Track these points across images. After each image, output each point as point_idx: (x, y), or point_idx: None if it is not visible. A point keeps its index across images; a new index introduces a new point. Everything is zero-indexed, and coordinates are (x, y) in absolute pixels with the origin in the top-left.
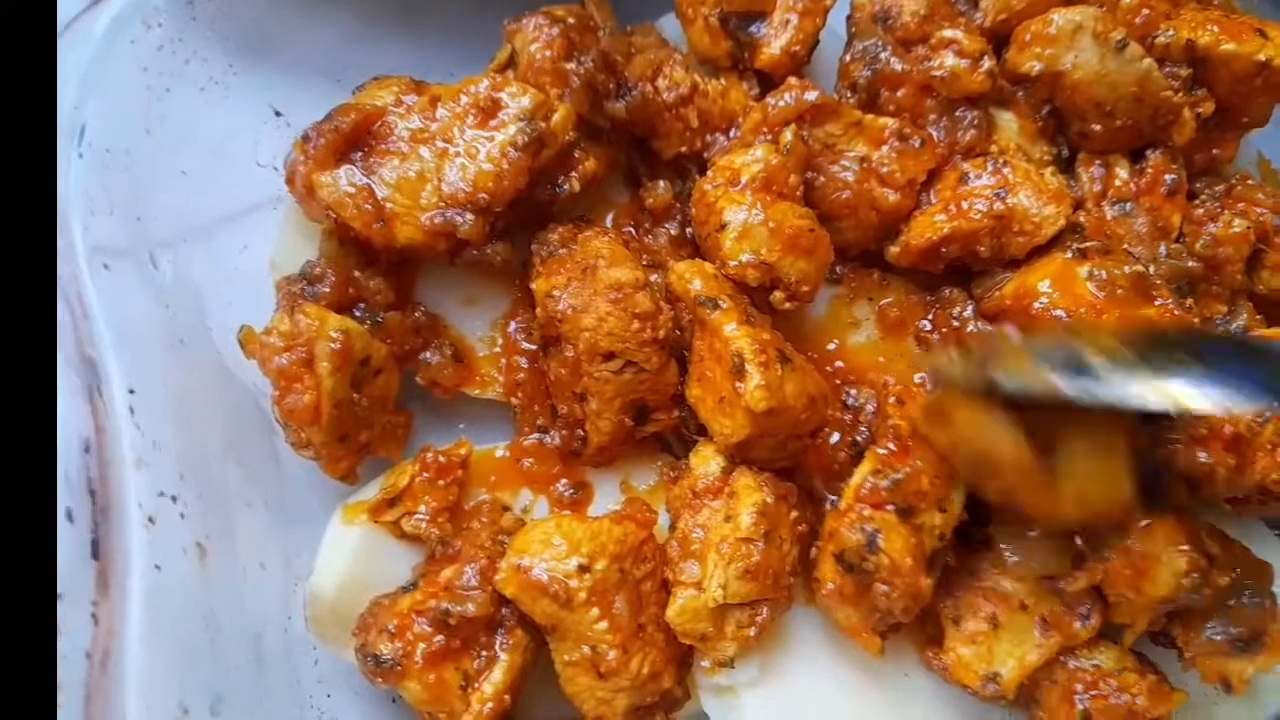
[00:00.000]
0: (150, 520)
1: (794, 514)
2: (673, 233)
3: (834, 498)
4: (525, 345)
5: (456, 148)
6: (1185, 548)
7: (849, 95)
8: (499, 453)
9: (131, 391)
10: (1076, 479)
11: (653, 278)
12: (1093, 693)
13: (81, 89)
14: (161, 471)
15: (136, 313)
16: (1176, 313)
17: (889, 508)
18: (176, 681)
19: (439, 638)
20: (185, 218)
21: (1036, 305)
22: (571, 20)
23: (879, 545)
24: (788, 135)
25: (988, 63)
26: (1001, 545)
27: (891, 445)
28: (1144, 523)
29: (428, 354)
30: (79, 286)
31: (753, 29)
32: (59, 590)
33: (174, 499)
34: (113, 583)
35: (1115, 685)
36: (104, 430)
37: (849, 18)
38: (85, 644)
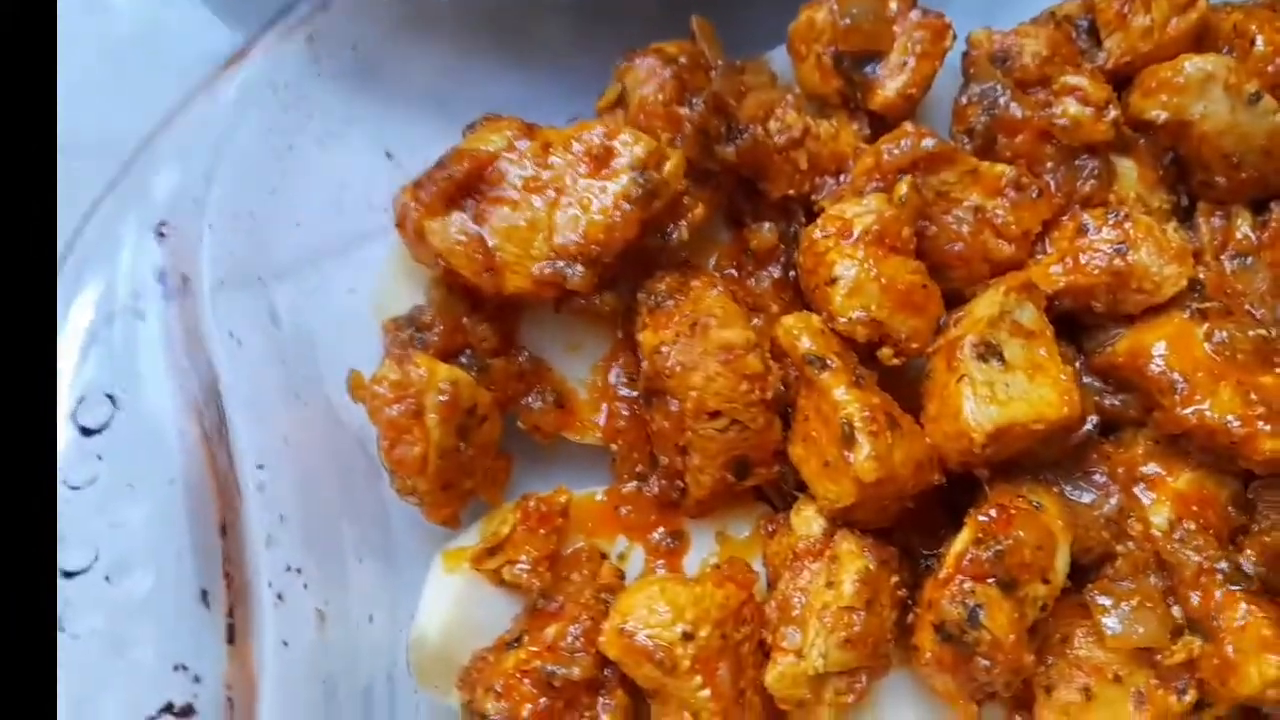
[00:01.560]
0: (279, 597)
1: (894, 579)
2: (775, 276)
3: (929, 553)
4: (625, 391)
5: (568, 197)
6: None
7: (964, 140)
8: (597, 498)
9: (260, 467)
10: None
11: (754, 321)
12: None
13: (213, 159)
14: (289, 545)
15: (262, 379)
16: None
17: (990, 580)
18: None
19: (544, 700)
20: (301, 268)
21: (1151, 366)
22: (683, 60)
23: (980, 620)
24: (903, 188)
25: (1113, 112)
26: (1099, 613)
27: (993, 513)
28: (1242, 611)
29: (530, 399)
30: (210, 362)
31: (867, 69)
32: (195, 674)
33: (299, 571)
34: (246, 664)
35: None
36: (237, 511)
37: (965, 56)
38: None
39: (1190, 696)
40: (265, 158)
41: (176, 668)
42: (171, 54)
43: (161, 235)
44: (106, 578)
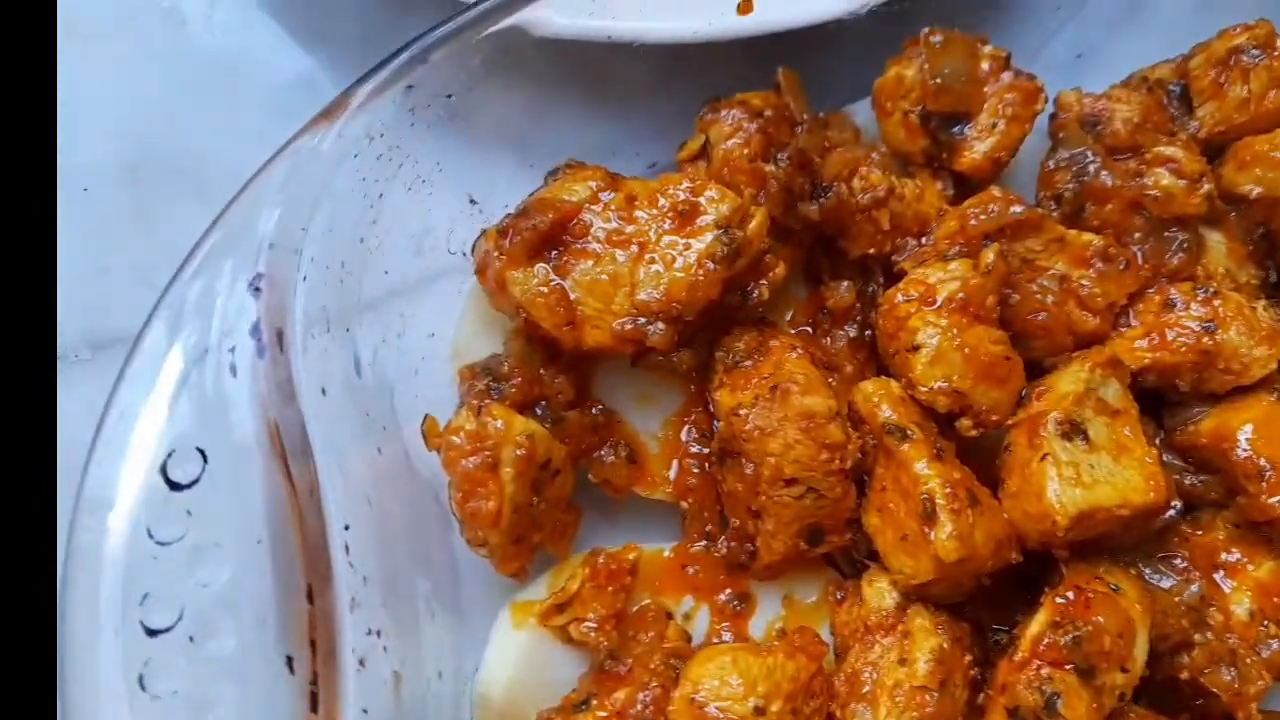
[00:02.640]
0: (361, 663)
1: (968, 658)
2: (851, 335)
3: (998, 628)
4: (696, 449)
5: (652, 253)
6: None
7: (1052, 206)
8: (665, 554)
9: (346, 528)
10: None
11: (830, 381)
12: None
13: (311, 210)
14: (370, 609)
15: (347, 434)
16: None
17: (1069, 666)
18: None
19: None
20: (386, 320)
21: (1238, 451)
22: (768, 112)
23: (1059, 709)
24: (990, 255)
25: (1206, 185)
26: None
27: (1071, 595)
28: None
29: (603, 452)
30: (300, 419)
31: (954, 129)
32: None
33: (379, 634)
34: None
35: None
36: (325, 575)
37: (1052, 119)
38: None
39: None
40: (358, 207)
41: None
42: (248, 75)
43: (257, 290)
44: (191, 638)
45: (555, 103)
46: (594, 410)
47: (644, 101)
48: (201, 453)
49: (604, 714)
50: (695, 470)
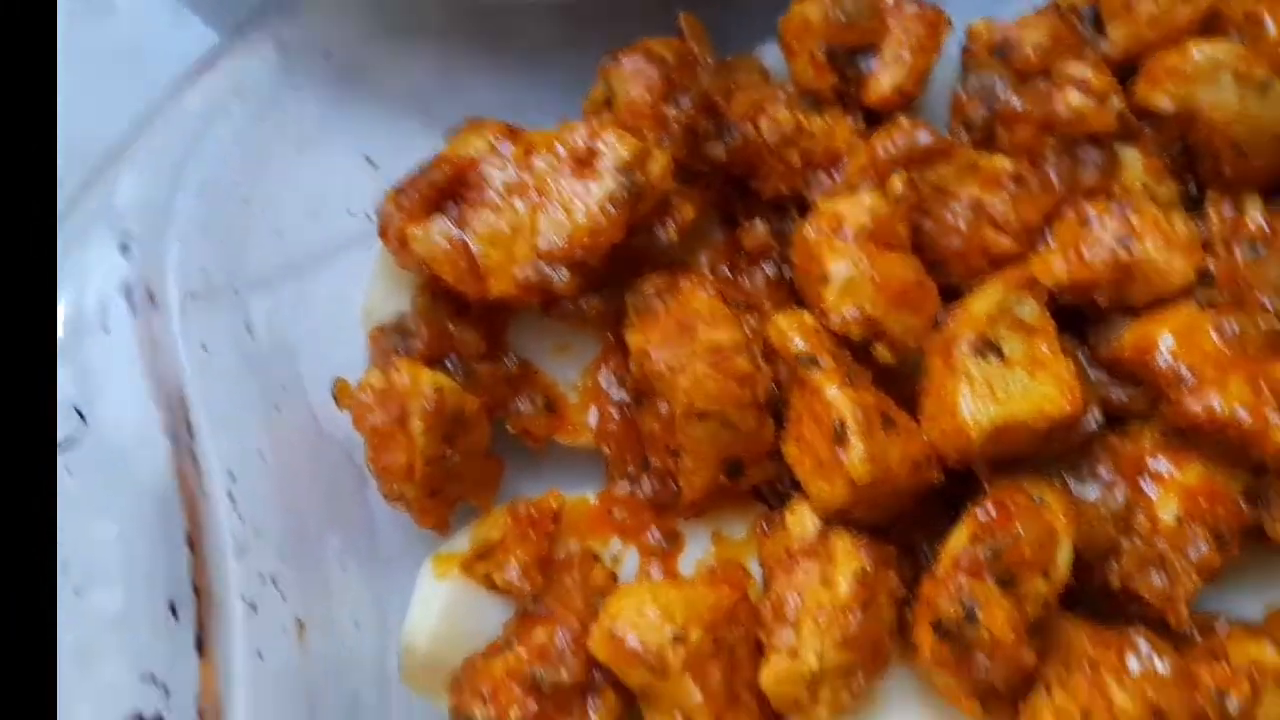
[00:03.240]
0: (253, 608)
1: (893, 578)
2: (769, 273)
3: (930, 550)
4: (616, 394)
5: (552, 200)
6: None
7: (963, 133)
8: (590, 500)
9: (233, 479)
10: None
11: (748, 321)
12: None
13: (178, 171)
14: (262, 556)
15: (235, 391)
16: None
17: (989, 577)
18: None
19: (532, 703)
20: (280, 278)
21: (1158, 359)
22: (671, 58)
23: (978, 618)
24: (898, 184)
25: (1115, 101)
26: (1139, 639)
27: (991, 508)
28: None
29: (519, 403)
30: (178, 376)
31: (861, 63)
32: (165, 685)
33: (274, 580)
34: (217, 676)
35: None
36: (203, 524)
37: (964, 48)
38: None
39: None
40: (236, 168)
41: (145, 679)
42: (154, 58)
43: (126, 249)
44: (75, 592)
45: (460, 62)
46: (508, 362)
47: (552, 59)
48: (79, 413)
49: (524, 653)
50: (615, 415)
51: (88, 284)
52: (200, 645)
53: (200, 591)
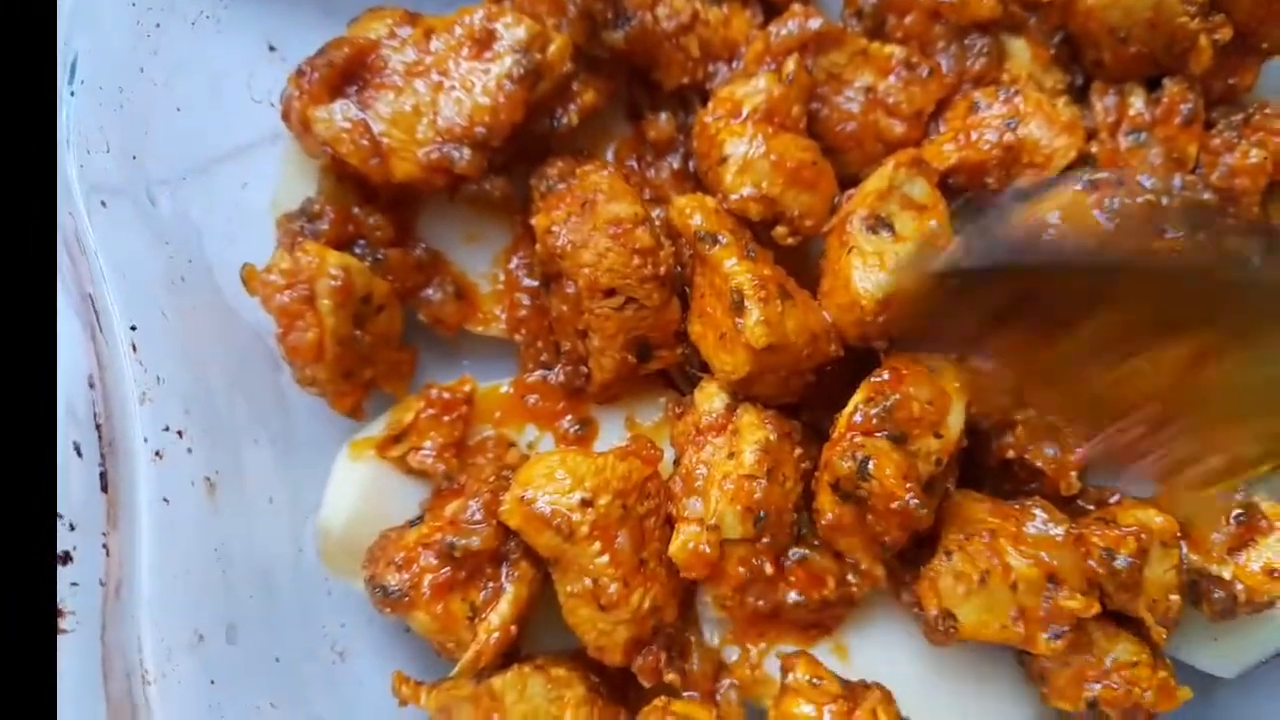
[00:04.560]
0: (157, 454)
1: (798, 451)
2: (675, 167)
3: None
4: (527, 281)
5: (451, 81)
6: None
7: (854, 22)
8: (503, 389)
9: (133, 328)
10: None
11: (655, 213)
12: (1104, 682)
13: (71, 25)
14: (166, 407)
15: (135, 250)
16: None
17: (880, 434)
18: (190, 610)
19: (445, 570)
20: (182, 155)
21: (1045, 237)
22: None
23: (870, 471)
24: (790, 65)
25: None
26: (1027, 521)
27: (885, 374)
28: None
29: (430, 291)
30: (76, 224)
31: None
32: (70, 521)
33: (180, 434)
34: (122, 515)
35: (1126, 678)
36: (106, 367)
37: None
38: (99, 573)
39: (1060, 645)
40: (130, 34)
41: (58, 515)
42: None
43: None
44: None
45: None
46: (417, 250)
47: None
48: None
49: (437, 524)
50: (526, 303)
51: None
52: (104, 483)
53: (101, 431)
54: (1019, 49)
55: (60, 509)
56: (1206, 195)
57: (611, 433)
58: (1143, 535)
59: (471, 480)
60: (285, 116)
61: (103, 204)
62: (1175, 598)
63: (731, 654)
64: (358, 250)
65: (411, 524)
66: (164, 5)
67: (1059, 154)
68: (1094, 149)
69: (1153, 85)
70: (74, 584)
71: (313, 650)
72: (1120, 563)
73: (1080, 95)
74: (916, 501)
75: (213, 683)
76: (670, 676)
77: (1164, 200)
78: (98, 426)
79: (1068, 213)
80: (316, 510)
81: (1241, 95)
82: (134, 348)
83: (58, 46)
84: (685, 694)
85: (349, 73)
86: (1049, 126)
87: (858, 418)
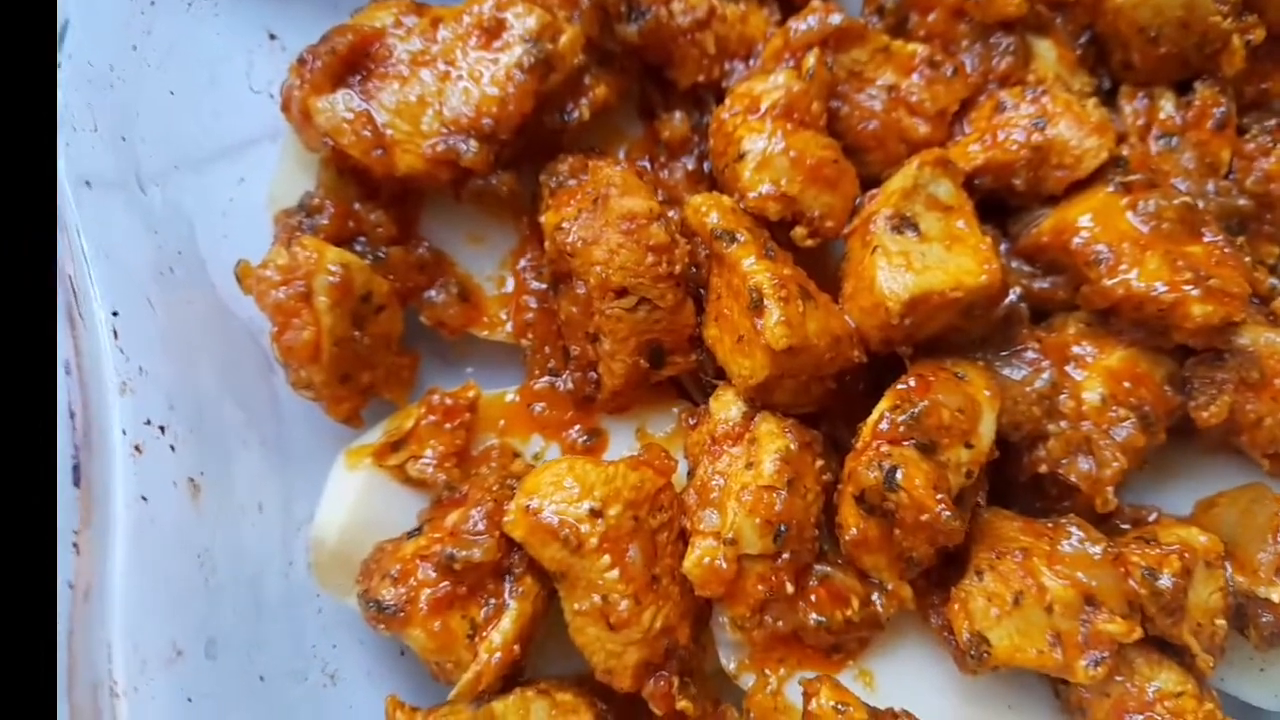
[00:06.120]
0: (136, 449)
1: (819, 462)
2: (690, 168)
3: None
4: (535, 284)
5: (459, 70)
6: None
7: (875, 20)
8: (509, 397)
9: (115, 314)
10: None
11: (670, 213)
12: (1146, 714)
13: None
14: (148, 399)
15: (121, 236)
16: (1226, 251)
17: (908, 443)
18: (166, 620)
19: (444, 584)
20: (175, 144)
21: (1076, 241)
22: None
23: (898, 481)
24: (810, 60)
25: None
26: (1071, 527)
27: (912, 381)
28: None
29: (432, 292)
30: (59, 201)
31: None
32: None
33: (162, 429)
34: (95, 512)
35: (1170, 709)
36: (84, 353)
37: None
38: (68, 574)
39: (1100, 672)
40: (123, 10)
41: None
42: None
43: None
44: None
45: None
46: (420, 249)
47: None
48: None
49: (436, 535)
50: (533, 306)
51: None
52: (77, 476)
53: (76, 421)
54: (1045, 49)
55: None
56: (1242, 201)
57: (621, 444)
58: (1186, 554)
59: (474, 489)
60: (285, 107)
61: (87, 184)
62: (1221, 622)
63: (747, 680)
64: (358, 248)
65: (409, 535)
66: None
67: (1089, 155)
68: (1125, 153)
69: (1183, 89)
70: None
71: (300, 671)
72: (1164, 583)
73: (1108, 99)
74: (949, 513)
75: (190, 700)
76: (683, 704)
77: (1199, 204)
78: (71, 414)
79: (1099, 216)
80: (308, 523)
81: (1273, 100)
82: (115, 334)
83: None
84: None
85: (352, 62)
86: (1079, 127)
87: (884, 425)
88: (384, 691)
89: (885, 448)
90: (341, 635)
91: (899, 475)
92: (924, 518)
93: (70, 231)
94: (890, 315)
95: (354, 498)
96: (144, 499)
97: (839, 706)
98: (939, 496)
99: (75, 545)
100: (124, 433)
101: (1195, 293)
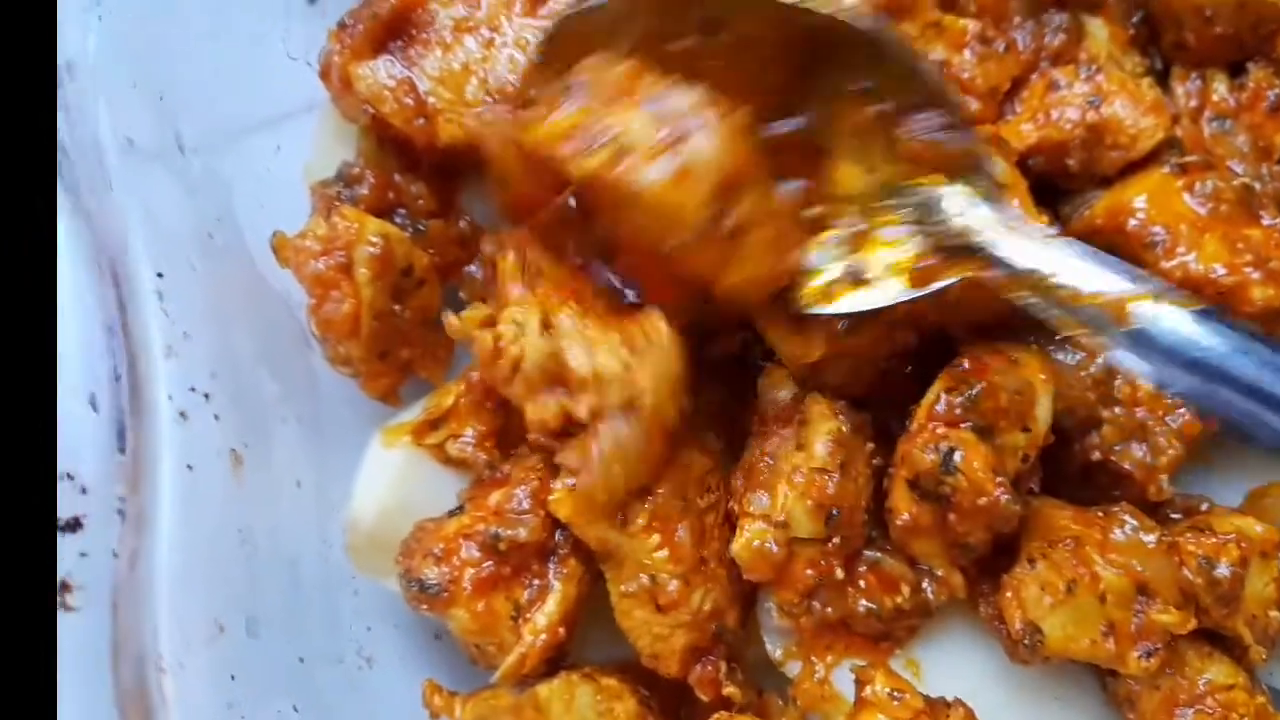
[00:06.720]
0: (182, 415)
1: (869, 446)
2: None
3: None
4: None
5: (504, 38)
6: None
7: None
8: None
9: (160, 275)
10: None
11: None
12: (1197, 707)
13: None
14: (193, 365)
15: (161, 197)
16: None
17: (966, 425)
18: (210, 594)
19: (488, 564)
20: (213, 109)
21: (1132, 223)
22: None
23: (956, 465)
24: None
25: None
26: (1116, 525)
27: (966, 363)
28: None
29: (472, 268)
30: (101, 161)
31: None
32: (83, 485)
33: (206, 397)
34: (142, 477)
35: (1221, 702)
36: (129, 313)
37: None
38: (112, 542)
39: (1153, 663)
40: None
41: (63, 476)
42: None
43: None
44: None
45: None
46: (460, 223)
47: None
48: None
49: (479, 514)
50: None
51: None
52: (122, 441)
53: (122, 384)
54: (1097, 28)
55: (66, 469)
56: None
57: None
58: (1243, 544)
59: (517, 468)
60: (324, 74)
61: (130, 141)
62: (1275, 614)
63: (792, 668)
64: (397, 220)
65: (451, 514)
66: None
67: (1145, 135)
68: (1179, 134)
69: (1236, 71)
70: (83, 554)
71: (337, 653)
72: (1221, 572)
73: (1160, 81)
74: (1008, 497)
75: (233, 678)
76: (730, 689)
77: (1257, 186)
78: (117, 378)
79: (1155, 197)
80: (344, 503)
81: None
82: (160, 296)
83: None
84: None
85: (394, 27)
86: (1134, 106)
87: (940, 407)
88: (419, 676)
89: (942, 430)
90: (376, 619)
91: (957, 458)
92: (982, 502)
93: (112, 189)
94: (947, 293)
95: (392, 477)
96: (190, 467)
97: (894, 693)
98: (998, 480)
99: (121, 512)
100: (170, 398)
101: (1256, 275)
